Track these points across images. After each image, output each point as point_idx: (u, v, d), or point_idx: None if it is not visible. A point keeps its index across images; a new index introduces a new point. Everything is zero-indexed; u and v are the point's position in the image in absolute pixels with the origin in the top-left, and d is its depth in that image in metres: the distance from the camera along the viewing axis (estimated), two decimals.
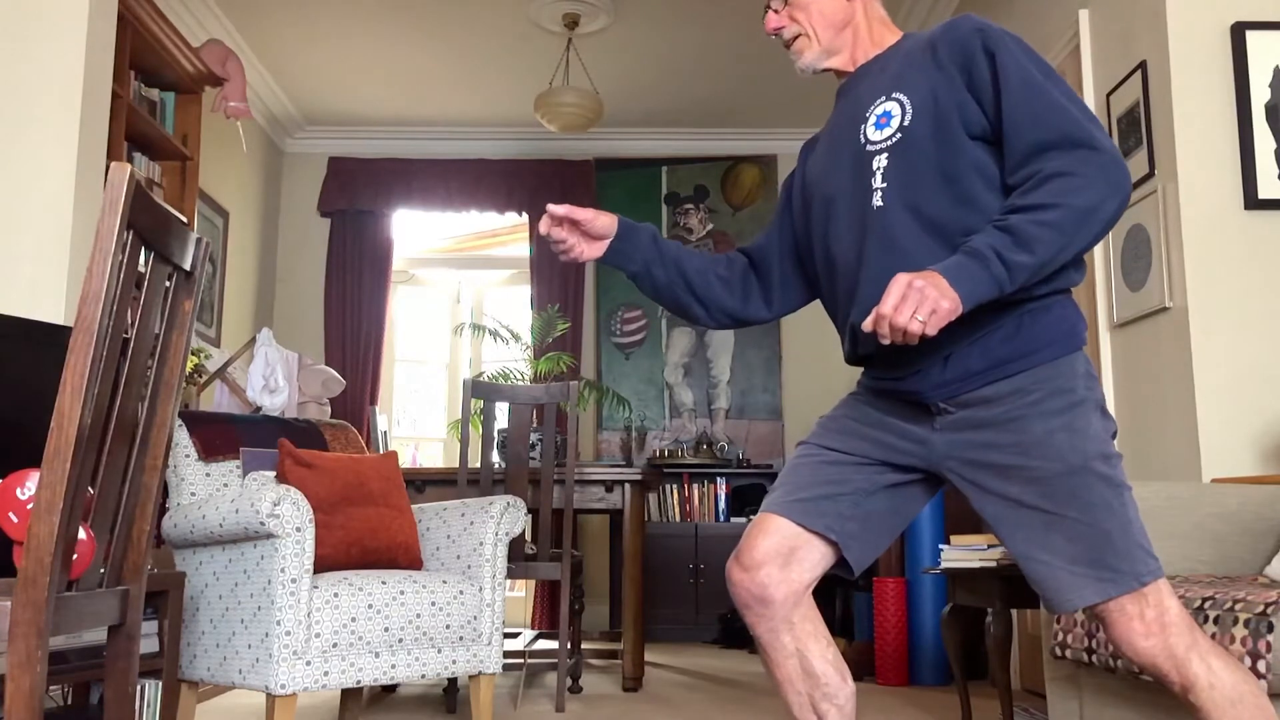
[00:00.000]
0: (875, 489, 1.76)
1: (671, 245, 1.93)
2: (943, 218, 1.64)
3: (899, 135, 1.69)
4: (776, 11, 1.85)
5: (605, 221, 1.86)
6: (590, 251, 1.88)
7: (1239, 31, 3.09)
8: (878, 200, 1.69)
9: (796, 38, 1.83)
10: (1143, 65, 3.28)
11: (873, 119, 1.74)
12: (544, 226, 1.84)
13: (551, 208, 1.82)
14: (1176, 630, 1.55)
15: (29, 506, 1.58)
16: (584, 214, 1.84)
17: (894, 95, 1.72)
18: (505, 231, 7.24)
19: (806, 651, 1.74)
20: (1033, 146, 1.58)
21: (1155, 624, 1.56)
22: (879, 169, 1.70)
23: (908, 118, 1.68)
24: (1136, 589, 1.55)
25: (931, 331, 1.47)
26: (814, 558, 1.75)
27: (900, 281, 1.48)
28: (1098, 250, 3.54)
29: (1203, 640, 1.57)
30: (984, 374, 1.63)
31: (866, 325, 1.51)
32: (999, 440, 1.62)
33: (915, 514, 1.82)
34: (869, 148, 1.72)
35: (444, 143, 6.95)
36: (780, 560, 1.73)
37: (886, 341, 1.49)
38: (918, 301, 1.45)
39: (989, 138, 1.65)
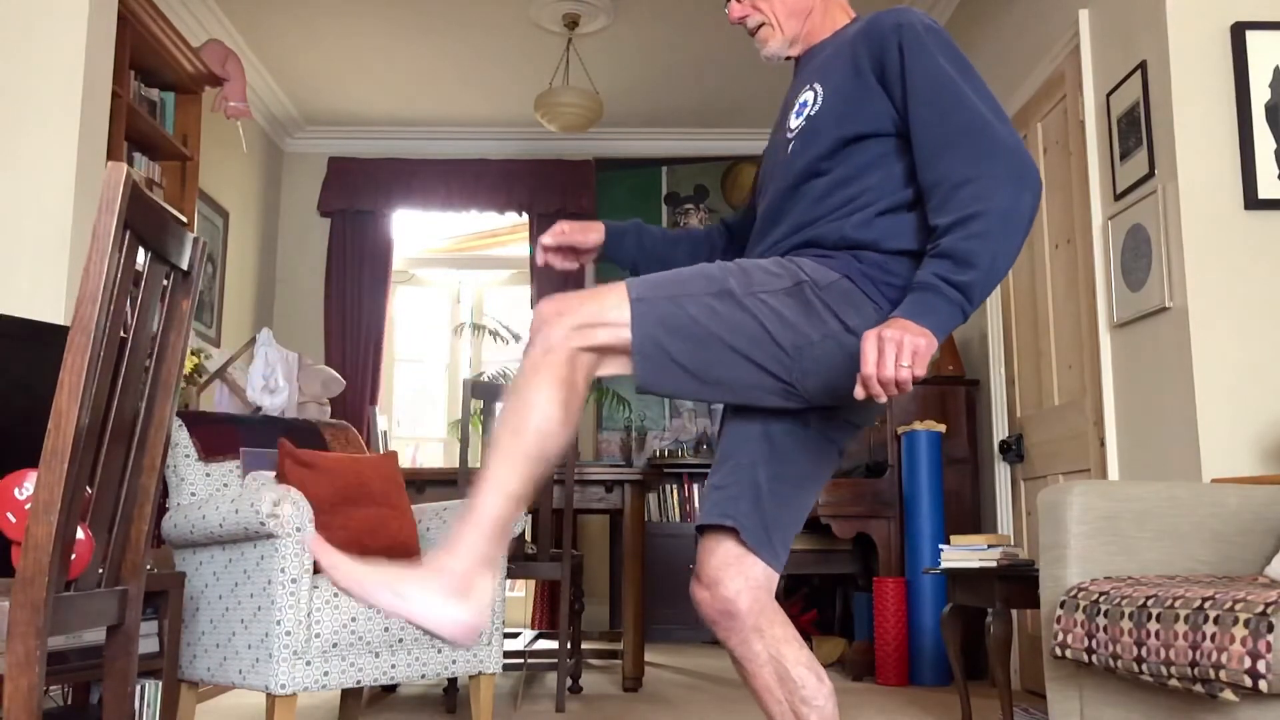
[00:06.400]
0: (755, 461, 1.68)
1: (655, 241, 2.00)
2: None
3: (805, 124, 1.74)
4: (739, 1, 1.86)
5: (595, 237, 1.96)
6: (580, 259, 2.00)
7: (1239, 31, 3.09)
8: None
9: (761, 26, 1.86)
10: (1143, 65, 3.27)
11: (795, 106, 1.79)
12: (540, 260, 1.95)
13: (544, 241, 1.93)
14: None
15: (27, 507, 1.58)
16: (575, 238, 1.94)
17: (814, 84, 1.77)
18: (505, 231, 7.24)
19: (781, 657, 1.69)
20: (936, 141, 1.59)
21: None
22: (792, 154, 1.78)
23: (816, 107, 1.73)
24: None
25: (920, 372, 1.44)
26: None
27: (869, 339, 1.45)
28: (1097, 250, 3.54)
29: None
30: None
31: (858, 394, 1.46)
32: None
33: (812, 472, 1.72)
34: (788, 135, 1.78)
35: (444, 143, 6.95)
36: (735, 567, 1.68)
37: (884, 399, 1.46)
38: (895, 350, 1.43)
39: (899, 132, 1.67)
